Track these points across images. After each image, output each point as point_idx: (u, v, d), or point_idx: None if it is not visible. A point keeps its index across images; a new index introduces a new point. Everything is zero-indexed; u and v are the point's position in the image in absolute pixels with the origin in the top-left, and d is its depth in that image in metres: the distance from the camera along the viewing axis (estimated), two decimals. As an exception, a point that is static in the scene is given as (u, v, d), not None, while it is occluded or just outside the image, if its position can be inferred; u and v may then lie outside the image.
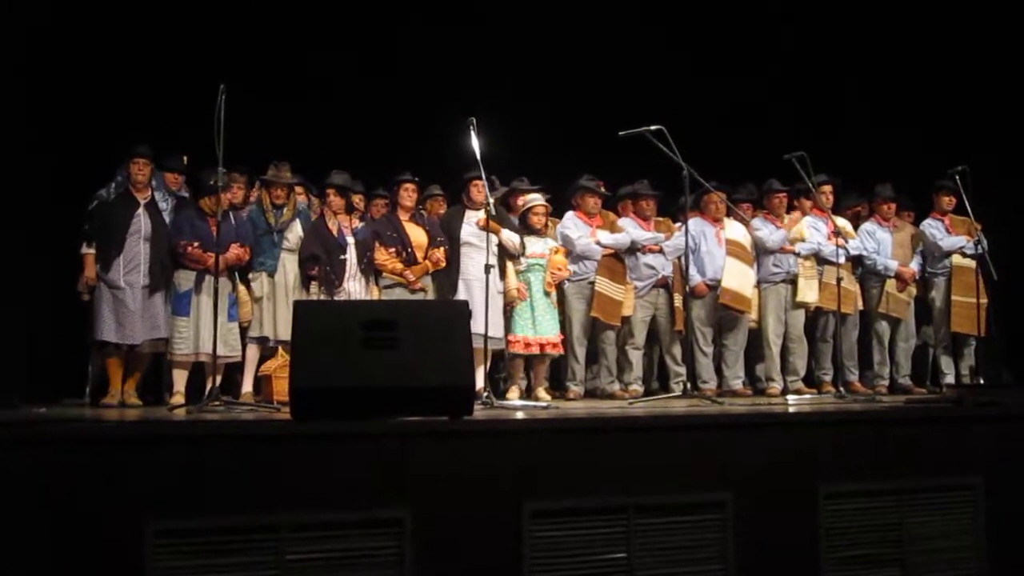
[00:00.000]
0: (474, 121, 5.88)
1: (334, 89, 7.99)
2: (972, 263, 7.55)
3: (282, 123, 7.27)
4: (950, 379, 7.80)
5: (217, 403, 5.25)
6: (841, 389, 6.87)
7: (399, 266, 6.74)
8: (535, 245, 6.96)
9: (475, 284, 6.64)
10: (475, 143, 5.87)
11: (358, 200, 7.05)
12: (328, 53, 8.01)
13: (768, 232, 7.59)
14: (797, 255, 7.58)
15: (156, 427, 4.06)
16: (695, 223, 7.46)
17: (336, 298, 6.44)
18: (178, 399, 6.15)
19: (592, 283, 7.26)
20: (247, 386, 6.48)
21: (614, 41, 8.66)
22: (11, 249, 6.10)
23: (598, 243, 7.26)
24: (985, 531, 4.60)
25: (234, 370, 6.53)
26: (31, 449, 3.47)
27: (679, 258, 7.33)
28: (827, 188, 7.79)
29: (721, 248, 7.51)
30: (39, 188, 6.53)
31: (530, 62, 8.32)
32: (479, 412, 4.73)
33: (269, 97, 7.36)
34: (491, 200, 6.17)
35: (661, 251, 7.43)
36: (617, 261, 7.31)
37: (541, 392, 6.87)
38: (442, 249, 6.81)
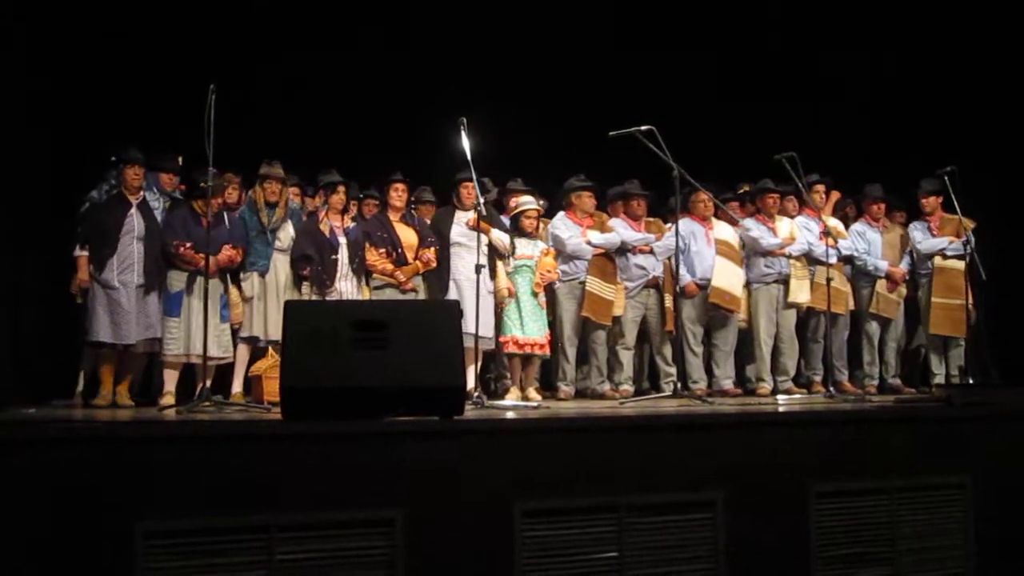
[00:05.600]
0: (465, 121, 5.88)
1: (327, 90, 7.95)
2: (958, 264, 7.58)
3: (275, 124, 7.25)
4: (939, 379, 7.82)
5: (208, 403, 5.24)
6: (831, 389, 6.88)
7: (389, 267, 6.72)
8: (525, 247, 6.96)
9: (466, 284, 6.65)
10: (465, 143, 5.87)
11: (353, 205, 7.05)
12: (320, 53, 7.99)
13: (761, 232, 7.61)
14: (788, 256, 7.60)
15: (146, 428, 4.04)
16: (685, 223, 7.45)
17: (328, 298, 6.43)
18: (168, 399, 6.13)
19: (583, 283, 7.26)
20: (237, 386, 6.46)
21: (604, 42, 8.67)
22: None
23: (589, 243, 7.26)
24: (974, 529, 4.62)
25: (225, 371, 6.51)
26: (19, 450, 3.45)
27: (669, 258, 7.35)
28: (820, 187, 7.85)
29: (711, 248, 7.52)
30: (26, 188, 6.50)
31: (520, 63, 8.31)
32: (470, 412, 4.73)
33: (263, 97, 7.34)
34: (481, 201, 6.17)
35: (651, 251, 7.44)
36: (608, 261, 7.31)
37: (532, 392, 6.87)
38: (433, 249, 6.80)
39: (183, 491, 3.55)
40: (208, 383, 5.55)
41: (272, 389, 5.90)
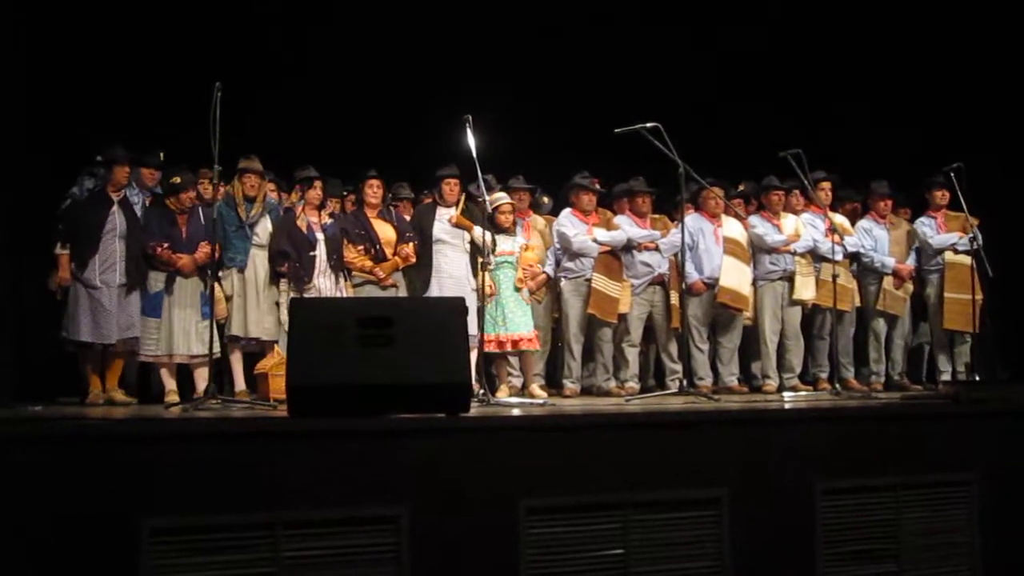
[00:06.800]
0: (470, 119, 5.86)
1: (310, 83, 7.91)
2: (967, 259, 7.57)
3: (252, 120, 7.19)
4: (946, 376, 7.81)
5: (214, 401, 5.25)
6: (837, 386, 6.87)
7: (368, 263, 6.69)
8: (504, 243, 6.89)
9: (448, 281, 6.65)
10: (471, 141, 5.85)
11: (335, 202, 7.03)
12: (306, 47, 7.98)
13: (766, 230, 7.60)
14: (794, 253, 7.59)
15: (152, 425, 4.05)
16: (693, 220, 7.45)
17: (306, 295, 6.40)
18: (172, 397, 6.14)
19: (589, 280, 7.26)
20: (239, 384, 6.47)
21: (608, 37, 8.65)
22: (1, 248, 6.08)
23: (595, 240, 7.26)
24: (980, 527, 4.61)
25: (219, 369, 6.48)
26: (26, 448, 3.46)
27: (675, 255, 7.34)
28: (826, 185, 7.83)
29: (719, 246, 7.51)
30: (28, 186, 6.50)
31: (524, 58, 8.29)
32: (475, 409, 4.73)
33: (243, 93, 7.30)
34: (487, 198, 6.15)
35: (657, 248, 7.43)
36: (613, 258, 7.31)
37: (536, 389, 6.85)
38: (411, 245, 6.78)
39: (189, 488, 3.55)
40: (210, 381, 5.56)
41: (278, 387, 5.89)
